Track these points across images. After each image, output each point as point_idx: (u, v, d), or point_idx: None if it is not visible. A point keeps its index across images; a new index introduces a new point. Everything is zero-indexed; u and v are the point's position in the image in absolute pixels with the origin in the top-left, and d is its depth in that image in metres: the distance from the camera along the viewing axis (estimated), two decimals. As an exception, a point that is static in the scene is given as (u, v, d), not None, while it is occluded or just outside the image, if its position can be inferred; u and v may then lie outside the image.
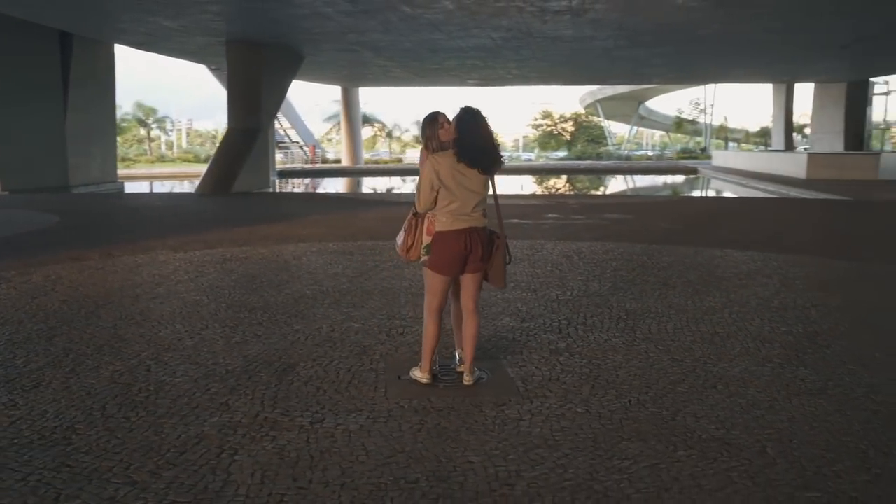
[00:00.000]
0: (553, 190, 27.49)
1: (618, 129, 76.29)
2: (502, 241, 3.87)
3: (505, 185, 20.09)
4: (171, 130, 61.24)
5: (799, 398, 3.79)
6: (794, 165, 26.35)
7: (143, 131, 53.98)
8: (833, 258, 8.47)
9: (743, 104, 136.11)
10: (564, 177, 35.38)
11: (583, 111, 68.56)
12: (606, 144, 66.34)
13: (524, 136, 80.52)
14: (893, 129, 36.23)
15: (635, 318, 5.55)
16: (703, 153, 52.72)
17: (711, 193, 25.15)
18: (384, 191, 25.67)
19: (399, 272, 7.43)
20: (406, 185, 29.08)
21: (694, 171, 36.50)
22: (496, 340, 4.89)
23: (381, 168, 38.75)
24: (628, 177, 35.65)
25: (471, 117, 3.83)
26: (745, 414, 3.58)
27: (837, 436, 3.31)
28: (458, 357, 4.23)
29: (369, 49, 21.34)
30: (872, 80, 31.99)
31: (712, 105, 77.78)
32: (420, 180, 3.78)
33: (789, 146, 36.62)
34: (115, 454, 3.12)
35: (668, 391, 3.91)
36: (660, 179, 33.78)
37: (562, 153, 61.45)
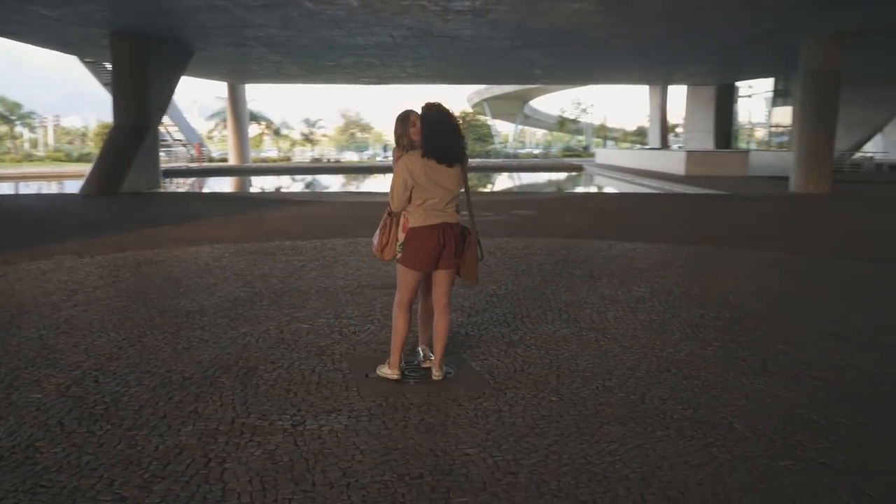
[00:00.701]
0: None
1: (503, 128, 78.09)
2: (474, 236, 3.93)
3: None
4: (37, 127, 56.73)
5: (746, 377, 4.10)
6: (673, 162, 28.00)
7: (4, 128, 49.68)
8: (734, 247, 9.13)
9: (620, 104, 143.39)
10: None
11: (470, 110, 69.63)
12: (493, 143, 67.72)
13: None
14: (756, 129, 39.35)
15: (574, 309, 5.77)
16: (586, 151, 55.04)
17: (603, 190, 26.24)
18: (284, 189, 25.03)
19: (329, 271, 7.34)
20: (296, 185, 28.44)
21: (580, 168, 37.94)
22: (450, 336, 4.93)
23: (272, 167, 37.77)
24: (519, 174, 36.56)
25: (434, 114, 3.86)
26: (704, 394, 3.83)
27: (790, 409, 3.62)
28: (421, 353, 4.26)
29: (264, 45, 20.72)
30: (738, 83, 34.52)
31: (592, 105, 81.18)
32: (393, 179, 3.77)
33: (665, 144, 38.81)
34: (93, 470, 2.93)
35: (628, 377, 4.11)
36: (549, 177, 34.86)
37: None
